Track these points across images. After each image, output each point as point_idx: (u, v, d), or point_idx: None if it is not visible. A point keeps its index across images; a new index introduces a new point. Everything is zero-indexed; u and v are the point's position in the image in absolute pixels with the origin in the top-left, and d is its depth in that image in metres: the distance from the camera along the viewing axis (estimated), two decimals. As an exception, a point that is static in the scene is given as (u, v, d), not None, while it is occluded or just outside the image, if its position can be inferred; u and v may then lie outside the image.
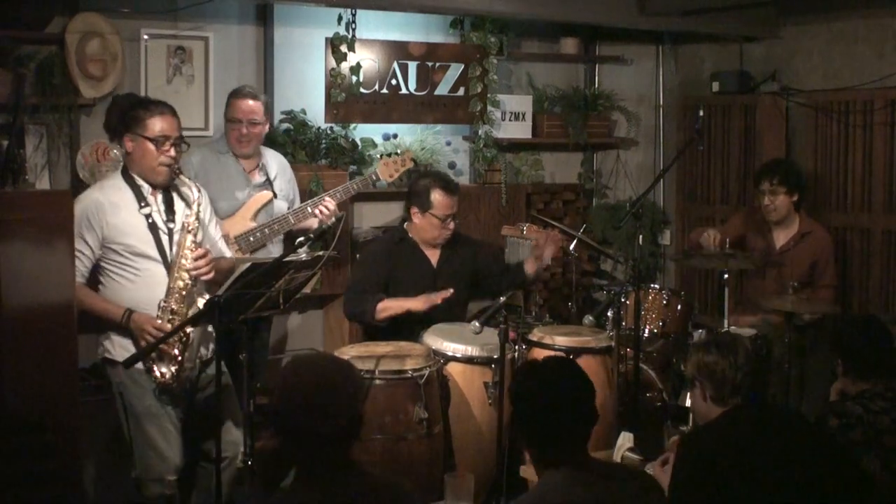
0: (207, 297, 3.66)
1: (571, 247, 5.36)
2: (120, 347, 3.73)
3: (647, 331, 5.02)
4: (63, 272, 3.24)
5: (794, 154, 6.00)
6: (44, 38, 4.87)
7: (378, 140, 5.75)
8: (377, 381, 3.96)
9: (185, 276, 3.70)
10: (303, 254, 3.65)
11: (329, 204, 4.74)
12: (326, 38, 5.47)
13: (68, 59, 4.83)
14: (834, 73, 5.85)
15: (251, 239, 4.63)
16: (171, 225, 3.78)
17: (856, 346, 3.46)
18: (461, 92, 5.91)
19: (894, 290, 5.49)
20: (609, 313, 4.84)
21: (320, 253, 3.98)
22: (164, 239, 3.75)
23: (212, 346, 3.79)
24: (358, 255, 5.46)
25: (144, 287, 3.71)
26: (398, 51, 5.72)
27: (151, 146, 3.72)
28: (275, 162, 4.89)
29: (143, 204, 3.74)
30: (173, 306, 3.68)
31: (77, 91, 4.89)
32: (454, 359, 4.23)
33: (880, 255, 5.53)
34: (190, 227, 3.74)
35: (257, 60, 5.52)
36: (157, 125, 3.73)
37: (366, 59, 5.58)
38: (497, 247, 5.52)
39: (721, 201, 6.27)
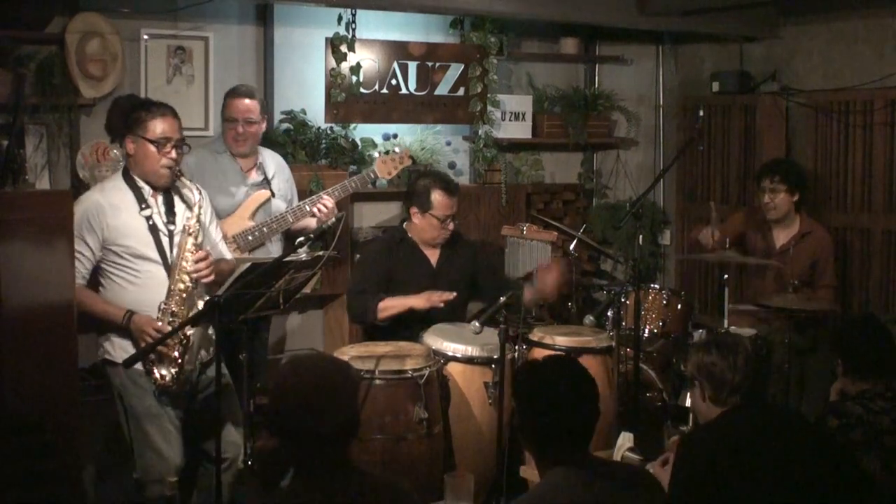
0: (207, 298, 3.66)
1: (571, 247, 5.36)
2: (120, 349, 3.73)
3: (647, 331, 5.02)
4: (63, 272, 3.25)
5: (794, 154, 6.00)
6: (44, 38, 4.87)
7: (378, 140, 5.74)
8: (377, 381, 3.96)
9: (186, 278, 3.70)
10: (303, 254, 3.66)
11: (327, 202, 4.73)
12: (326, 38, 5.47)
13: (68, 59, 4.82)
14: (834, 73, 5.85)
15: (249, 238, 4.62)
16: (172, 227, 3.78)
17: (856, 345, 3.47)
18: (461, 92, 5.91)
19: (894, 290, 5.49)
20: (609, 313, 4.85)
21: (320, 253, 3.98)
22: (165, 241, 3.75)
23: (212, 348, 3.79)
24: (358, 256, 5.46)
25: (145, 289, 3.71)
26: (398, 51, 5.72)
27: (153, 148, 3.72)
28: (272, 161, 4.88)
29: (143, 206, 3.74)
30: (174, 308, 3.68)
31: (77, 91, 4.89)
32: (454, 359, 4.23)
33: (880, 255, 5.53)
34: (191, 230, 3.73)
35: (257, 60, 5.52)
36: (158, 127, 3.72)
37: (366, 59, 5.58)
38: (497, 249, 5.52)
39: (721, 201, 6.26)
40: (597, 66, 6.72)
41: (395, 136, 5.81)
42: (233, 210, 4.62)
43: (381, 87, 5.68)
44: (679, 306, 5.09)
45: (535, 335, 4.48)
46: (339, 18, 5.45)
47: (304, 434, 2.40)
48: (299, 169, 5.34)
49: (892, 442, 3.23)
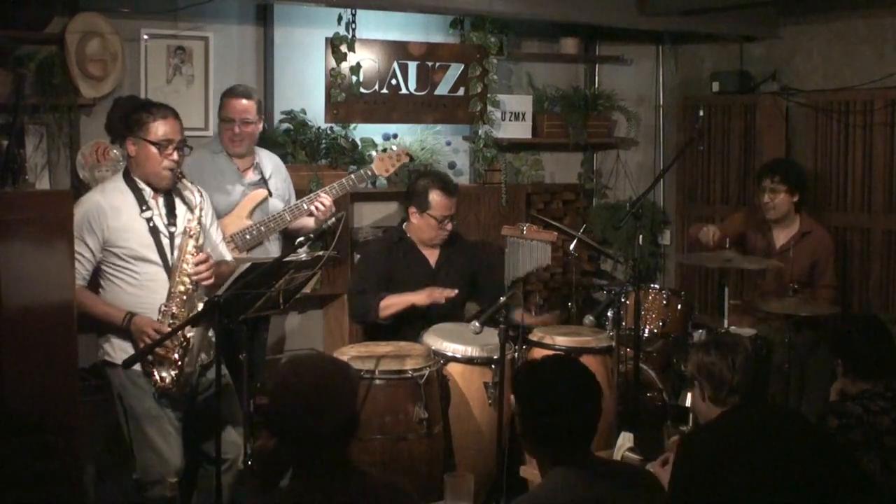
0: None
1: (571, 247, 5.36)
2: (120, 350, 3.72)
3: (647, 331, 5.02)
4: (63, 272, 3.24)
5: (794, 154, 6.00)
6: (44, 38, 4.87)
7: (378, 140, 5.74)
8: (377, 381, 3.96)
9: (186, 280, 3.69)
10: (303, 254, 3.65)
11: (325, 200, 4.71)
12: (326, 38, 5.47)
13: (68, 59, 4.82)
14: (834, 73, 5.85)
15: (247, 237, 4.61)
16: (173, 229, 3.77)
17: (856, 345, 3.47)
18: (461, 92, 5.91)
19: (894, 290, 5.49)
20: (609, 313, 4.85)
21: (320, 253, 3.98)
22: (166, 243, 3.74)
23: (212, 350, 3.78)
24: (358, 256, 5.45)
25: (145, 291, 3.71)
26: (398, 51, 5.72)
27: (154, 150, 3.71)
28: (269, 161, 4.87)
29: (144, 207, 3.74)
30: (174, 310, 3.67)
31: (77, 91, 4.89)
32: (454, 359, 4.24)
33: (880, 255, 5.53)
34: (192, 232, 3.73)
35: (257, 60, 5.52)
36: (160, 129, 3.71)
37: (366, 59, 5.58)
38: (497, 249, 5.51)
39: (721, 201, 6.27)
40: (597, 66, 6.72)
41: (395, 136, 5.81)
42: (230, 209, 4.60)
43: (381, 87, 5.68)
44: (679, 306, 5.09)
45: (535, 335, 4.48)
46: (339, 18, 5.45)
47: (303, 434, 2.40)
48: (299, 169, 5.34)
49: (892, 442, 3.23)
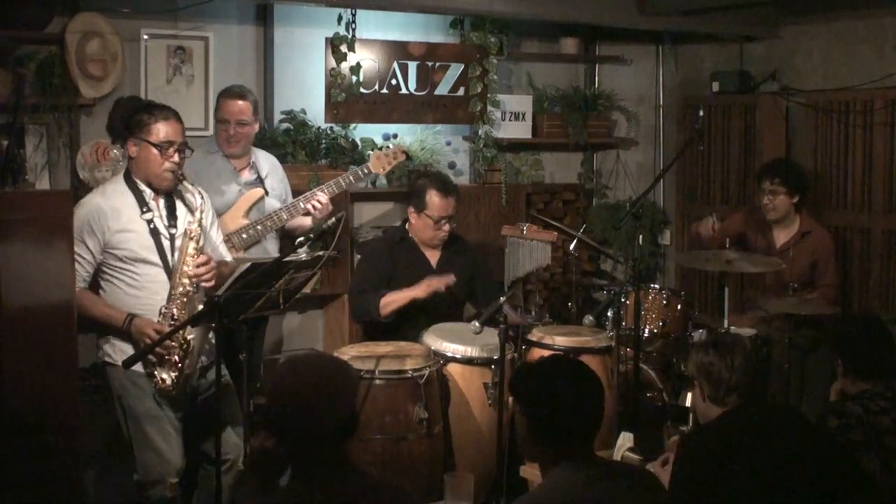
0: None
1: (571, 247, 5.36)
2: (120, 351, 3.72)
3: (647, 331, 5.02)
4: (63, 272, 3.25)
5: (794, 154, 5.99)
6: (44, 38, 4.87)
7: (378, 140, 5.74)
8: (377, 381, 3.96)
9: (187, 282, 3.69)
10: (303, 254, 3.66)
11: (321, 198, 4.70)
12: (326, 38, 5.47)
13: (68, 59, 4.82)
14: (834, 73, 5.85)
15: (244, 236, 4.59)
16: (174, 230, 3.76)
17: (856, 345, 3.47)
18: (461, 92, 5.91)
19: (894, 290, 5.49)
20: (609, 313, 4.85)
21: (320, 253, 3.98)
22: (166, 244, 3.74)
23: (212, 352, 3.78)
24: (358, 256, 5.45)
25: (145, 292, 3.70)
26: (398, 51, 5.72)
27: (155, 152, 3.70)
28: (266, 161, 4.86)
29: (144, 209, 3.73)
30: (174, 312, 3.67)
31: (77, 91, 4.89)
32: (454, 359, 4.23)
33: (880, 255, 5.53)
34: (192, 234, 3.72)
35: (257, 60, 5.52)
36: (161, 131, 3.70)
37: (366, 59, 5.58)
38: (497, 249, 5.51)
39: (721, 201, 6.27)
40: (597, 66, 6.73)
41: (395, 136, 5.81)
42: (226, 209, 4.59)
43: (381, 87, 5.68)
44: (679, 306, 5.09)
45: (535, 335, 4.48)
46: (339, 18, 5.45)
47: (303, 434, 2.40)
48: (299, 169, 5.34)
49: (892, 442, 3.23)
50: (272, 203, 4.75)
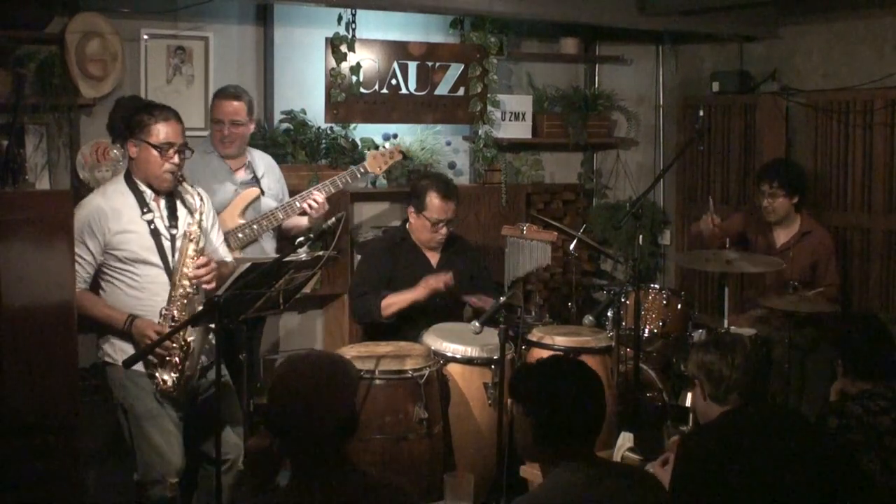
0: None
1: (571, 247, 5.36)
2: (120, 351, 3.72)
3: (647, 331, 5.02)
4: (63, 272, 3.25)
5: (794, 154, 5.99)
6: (44, 38, 4.87)
7: (378, 140, 5.74)
8: (377, 381, 3.96)
9: (187, 283, 3.69)
10: (303, 254, 3.65)
11: (318, 197, 4.69)
12: (326, 38, 5.47)
13: (68, 59, 4.82)
14: (834, 73, 5.85)
15: (240, 235, 4.59)
16: (174, 231, 3.76)
17: (856, 345, 3.47)
18: (461, 92, 5.91)
19: (894, 290, 5.48)
20: (609, 313, 4.85)
21: (320, 253, 3.98)
22: (167, 245, 3.74)
23: (212, 352, 3.78)
24: (359, 255, 5.45)
25: (146, 293, 3.71)
26: (398, 51, 5.72)
27: (155, 153, 3.70)
28: (262, 161, 4.85)
29: (145, 210, 3.73)
30: (175, 314, 3.66)
31: (77, 91, 4.89)
32: (454, 359, 4.23)
33: (880, 255, 5.53)
34: (192, 236, 3.72)
35: (257, 60, 5.52)
36: (161, 132, 3.70)
37: (366, 59, 5.58)
38: (496, 249, 5.51)
39: (721, 201, 6.26)
40: (597, 66, 6.73)
41: (395, 136, 5.81)
42: (222, 208, 4.57)
43: (381, 87, 5.68)
44: (679, 306, 5.09)
45: (535, 335, 4.48)
46: (339, 18, 5.45)
47: (303, 434, 2.39)
48: (299, 169, 5.34)
49: (893, 442, 3.23)
50: (268, 203, 4.74)
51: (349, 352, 4.19)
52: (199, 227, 3.74)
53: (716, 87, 6.26)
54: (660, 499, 2.74)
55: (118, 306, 3.70)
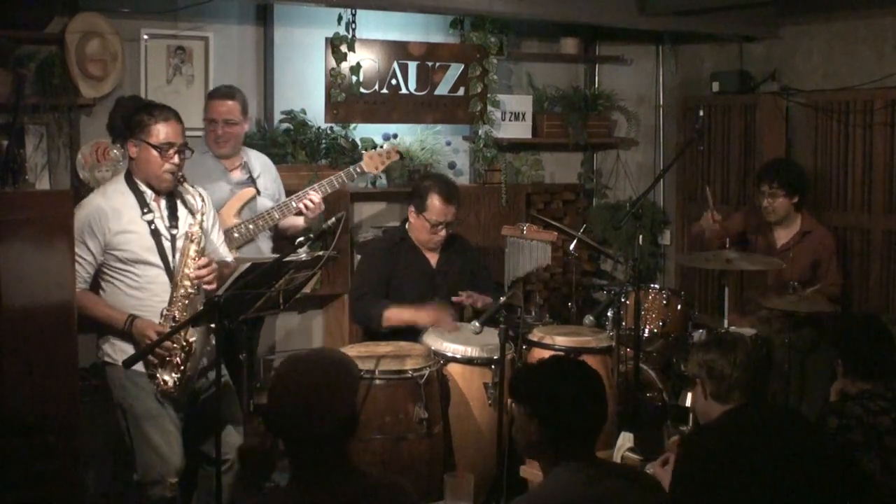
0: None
1: (571, 247, 5.36)
2: (120, 351, 3.71)
3: (647, 331, 5.02)
4: (63, 272, 3.25)
5: (794, 154, 5.99)
6: (44, 38, 4.87)
7: (378, 140, 5.74)
8: (377, 381, 3.96)
9: (188, 284, 3.68)
10: (302, 254, 3.65)
11: (314, 197, 4.68)
12: (326, 38, 5.47)
13: (68, 59, 4.82)
14: (834, 73, 5.85)
15: (236, 235, 4.58)
16: (175, 231, 3.76)
17: (856, 345, 3.47)
18: (461, 92, 5.91)
19: (894, 290, 5.48)
20: (609, 313, 4.85)
21: (320, 253, 3.98)
22: (167, 245, 3.73)
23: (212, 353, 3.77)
24: (359, 255, 5.45)
25: (146, 293, 3.70)
26: (398, 51, 5.72)
27: (155, 153, 3.69)
28: (258, 161, 4.83)
29: (145, 210, 3.72)
30: (176, 314, 3.66)
31: (77, 91, 4.89)
32: (454, 359, 4.23)
33: (880, 255, 5.52)
34: (193, 237, 3.71)
35: (257, 60, 5.52)
36: (161, 132, 3.69)
37: (366, 59, 5.58)
38: (496, 250, 5.52)
39: (721, 201, 6.26)
40: (597, 66, 6.72)
41: (395, 136, 5.81)
42: (217, 208, 4.55)
43: (381, 87, 5.68)
44: (679, 306, 5.09)
45: (535, 335, 4.48)
46: (339, 18, 5.45)
47: (303, 433, 2.39)
48: (299, 169, 5.34)
49: (893, 442, 3.23)
50: (264, 202, 4.73)
51: (349, 352, 4.18)
52: (201, 227, 3.74)
53: (716, 87, 6.26)
54: (659, 499, 2.75)
55: (118, 306, 3.69)
